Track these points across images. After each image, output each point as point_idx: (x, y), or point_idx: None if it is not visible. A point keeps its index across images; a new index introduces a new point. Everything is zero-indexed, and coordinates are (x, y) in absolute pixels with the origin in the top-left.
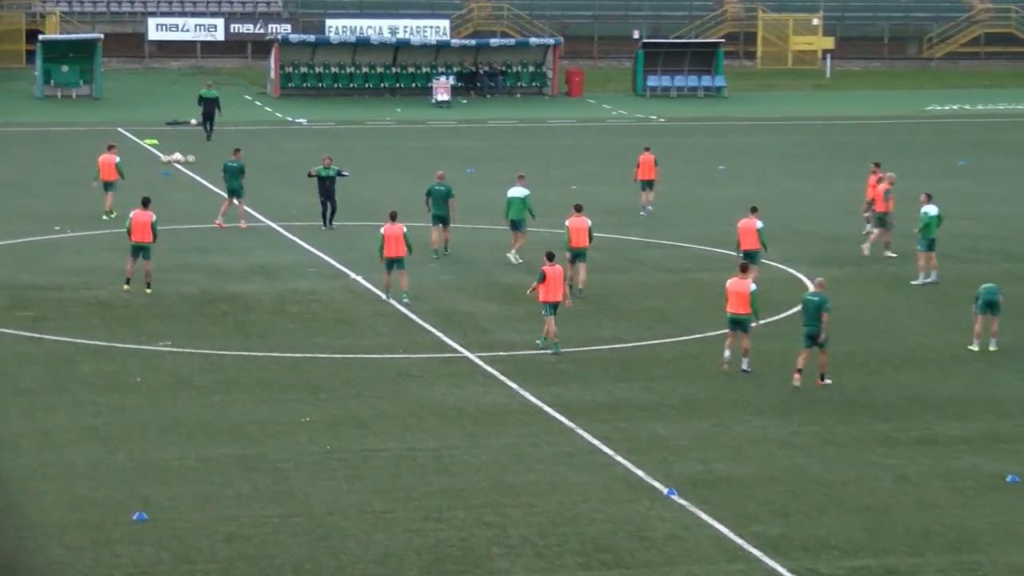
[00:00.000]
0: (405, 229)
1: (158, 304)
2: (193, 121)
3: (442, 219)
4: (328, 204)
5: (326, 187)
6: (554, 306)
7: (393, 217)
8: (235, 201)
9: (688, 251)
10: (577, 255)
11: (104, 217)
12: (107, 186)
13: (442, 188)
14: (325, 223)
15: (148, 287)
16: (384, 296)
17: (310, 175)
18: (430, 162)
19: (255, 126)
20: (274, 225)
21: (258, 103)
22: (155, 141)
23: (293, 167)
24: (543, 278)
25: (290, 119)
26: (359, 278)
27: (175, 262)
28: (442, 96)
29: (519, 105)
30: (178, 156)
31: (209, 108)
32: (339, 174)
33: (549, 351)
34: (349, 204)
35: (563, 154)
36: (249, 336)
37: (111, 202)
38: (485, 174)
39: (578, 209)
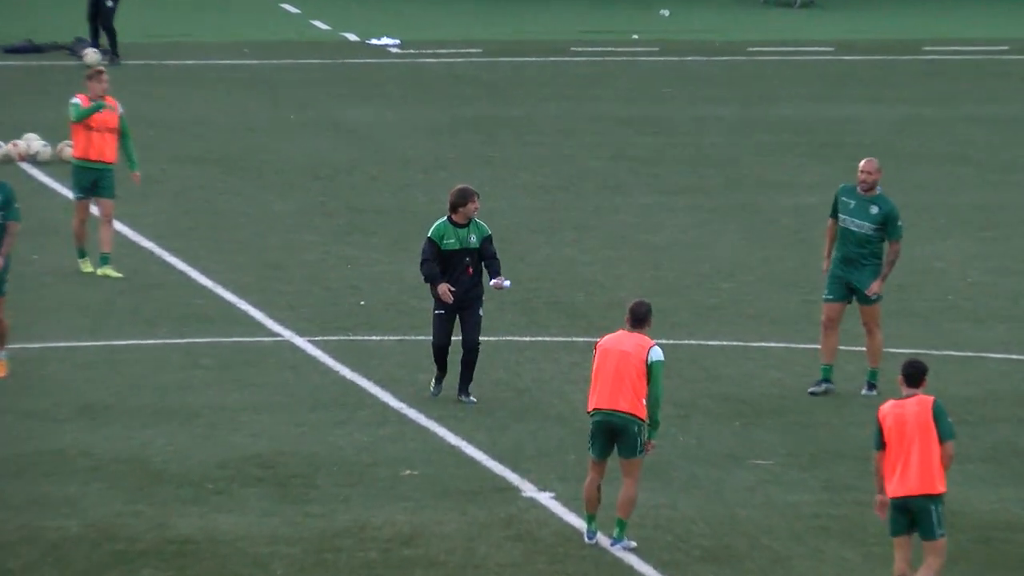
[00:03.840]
0: (657, 354)
1: None
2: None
3: (853, 287)
4: (465, 330)
5: (458, 280)
6: (906, 509)
7: (638, 318)
8: None
9: None
10: None
11: (85, 267)
12: (92, 178)
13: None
14: (462, 390)
15: None
16: (585, 532)
17: (438, 288)
18: (752, 163)
19: (265, 58)
20: (301, 342)
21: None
22: None
23: (361, 172)
24: (880, 441)
25: (354, 38)
26: (547, 496)
27: (30, 446)
28: None
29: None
30: (34, 143)
31: None
32: (488, 259)
33: None
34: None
35: None
36: None
37: (104, 234)
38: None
39: None
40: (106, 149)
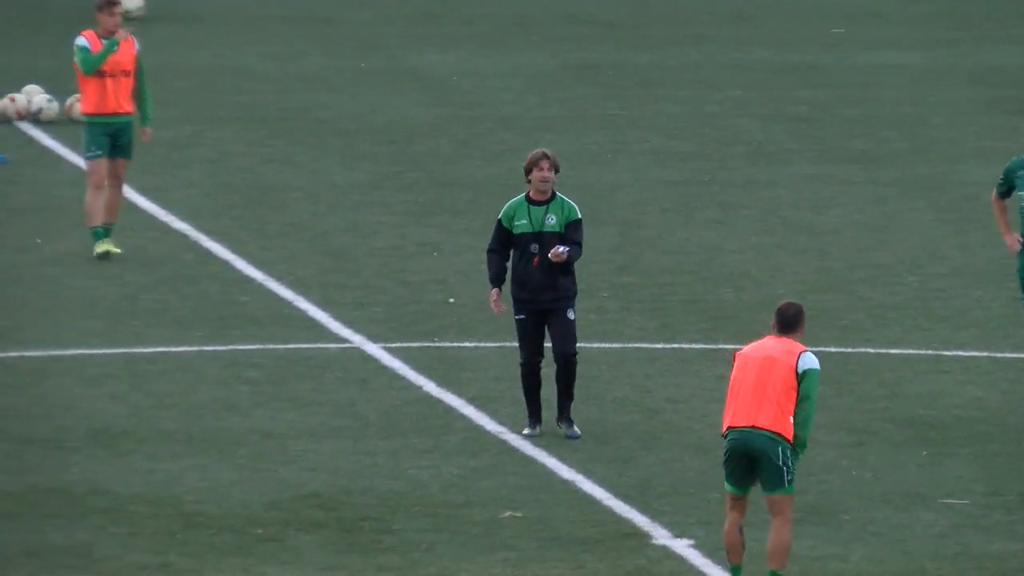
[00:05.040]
0: (810, 360)
1: None
2: None
3: None
4: (554, 340)
5: (528, 274)
6: None
7: (787, 322)
8: None
9: None
10: None
11: (102, 247)
12: (110, 132)
13: None
14: (562, 417)
15: None
16: None
17: (489, 295)
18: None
19: None
20: (373, 349)
21: None
22: None
23: (447, 135)
24: None
25: None
26: (684, 543)
27: None
28: None
29: None
30: (37, 97)
31: None
32: (570, 247)
33: None
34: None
35: None
36: None
37: (113, 200)
38: None
39: None
40: (123, 98)
